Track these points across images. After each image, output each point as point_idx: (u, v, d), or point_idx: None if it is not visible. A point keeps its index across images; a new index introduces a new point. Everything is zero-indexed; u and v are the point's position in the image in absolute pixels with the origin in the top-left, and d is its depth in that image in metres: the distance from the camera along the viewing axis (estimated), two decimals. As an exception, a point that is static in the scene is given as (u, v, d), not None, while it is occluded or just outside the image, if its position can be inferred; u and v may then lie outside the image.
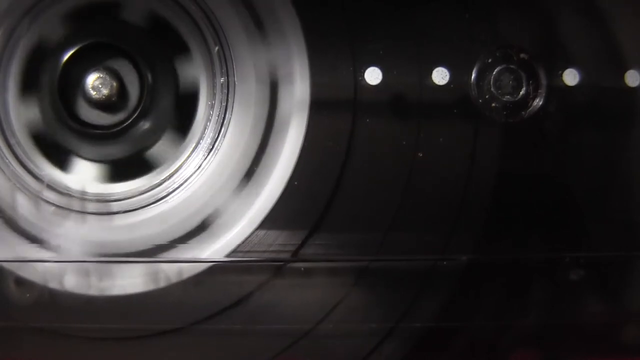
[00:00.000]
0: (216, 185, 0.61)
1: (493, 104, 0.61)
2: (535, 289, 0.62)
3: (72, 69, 0.62)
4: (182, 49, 0.63)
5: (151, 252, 0.61)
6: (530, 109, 0.61)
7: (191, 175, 0.62)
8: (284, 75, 0.61)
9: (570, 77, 0.61)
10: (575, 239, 0.62)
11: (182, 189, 0.62)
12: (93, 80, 0.62)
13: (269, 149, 0.61)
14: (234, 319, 0.60)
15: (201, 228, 0.61)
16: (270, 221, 0.61)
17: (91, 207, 0.62)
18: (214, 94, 0.62)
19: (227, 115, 0.62)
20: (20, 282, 0.60)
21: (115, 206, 0.62)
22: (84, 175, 0.63)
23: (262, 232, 0.61)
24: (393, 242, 0.61)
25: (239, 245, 0.61)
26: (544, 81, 0.61)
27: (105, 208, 0.62)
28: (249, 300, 0.60)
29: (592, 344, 0.63)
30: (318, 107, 0.61)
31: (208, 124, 0.62)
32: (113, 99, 0.62)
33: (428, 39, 0.61)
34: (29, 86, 0.63)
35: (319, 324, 0.61)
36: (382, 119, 0.61)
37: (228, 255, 0.61)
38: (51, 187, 0.62)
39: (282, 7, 0.60)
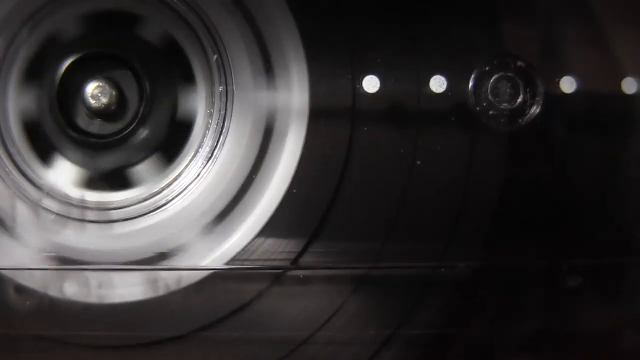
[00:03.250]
0: (215, 193, 0.61)
1: (490, 112, 0.61)
2: (534, 296, 0.62)
3: (72, 78, 0.63)
4: (181, 58, 0.63)
5: (150, 260, 0.61)
6: (527, 116, 0.61)
7: (190, 184, 0.62)
8: (283, 83, 0.61)
9: (568, 84, 0.61)
10: (573, 246, 0.62)
11: (181, 197, 0.62)
12: (92, 89, 0.62)
13: (267, 157, 0.61)
14: (233, 326, 0.60)
15: (200, 236, 0.61)
16: (270, 229, 0.61)
17: (91, 215, 0.62)
18: (213, 103, 0.62)
19: (225, 124, 0.62)
20: (20, 289, 0.60)
21: (114, 214, 0.62)
22: (81, 182, 0.63)
23: (261, 240, 0.61)
24: (392, 249, 0.61)
25: (238, 253, 0.61)
26: (541, 89, 0.61)
27: (104, 216, 0.62)
28: (248, 308, 0.60)
29: (592, 351, 0.63)
30: (317, 115, 0.61)
31: (207, 132, 0.62)
32: (112, 107, 0.62)
33: (425, 47, 0.61)
34: (28, 95, 0.63)
35: (317, 331, 0.61)
36: (380, 127, 0.61)
37: (227, 263, 0.61)
38: (51, 195, 0.62)
39: (280, 16, 0.61)
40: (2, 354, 0.60)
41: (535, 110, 0.61)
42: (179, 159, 0.63)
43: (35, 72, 0.63)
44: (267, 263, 0.61)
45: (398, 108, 0.61)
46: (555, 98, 0.61)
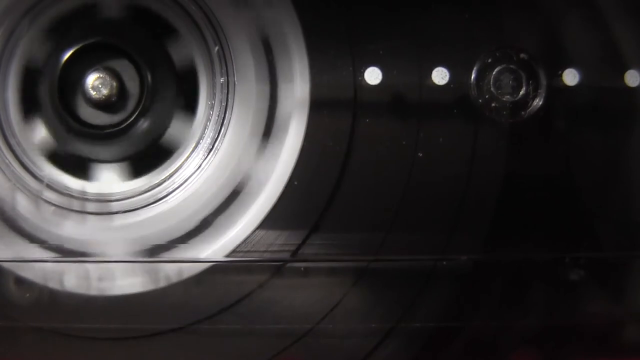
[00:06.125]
0: (216, 185, 0.61)
1: (493, 104, 0.61)
2: (536, 289, 0.62)
3: (73, 69, 0.62)
4: (182, 49, 0.63)
5: (151, 252, 0.61)
6: (530, 108, 0.61)
7: (191, 175, 0.62)
8: (284, 75, 0.61)
9: (570, 77, 0.61)
10: (576, 239, 0.62)
11: (182, 189, 0.62)
12: (93, 81, 0.62)
13: (268, 149, 0.61)
14: (234, 318, 0.60)
15: (201, 228, 0.61)
16: (270, 221, 0.61)
17: (91, 206, 0.62)
18: (214, 94, 0.62)
19: (227, 115, 0.62)
20: (20, 282, 0.60)
21: (115, 206, 0.62)
22: (84, 175, 0.63)
23: (262, 232, 0.61)
24: (393, 242, 0.61)
25: (238, 245, 0.61)
26: (543, 81, 0.61)
27: (105, 208, 0.62)
28: (249, 300, 0.60)
29: (593, 345, 0.63)
30: (318, 107, 0.61)
31: (208, 123, 0.62)
32: (113, 98, 0.62)
33: (428, 39, 0.61)
34: (28, 86, 0.63)
35: (318, 323, 0.61)
36: (382, 119, 0.61)
37: (228, 255, 0.61)
38: (51, 187, 0.62)
39: (282, 7, 0.61)
40: (2, 346, 0.60)
41: (537, 102, 0.61)
42: (179, 151, 0.63)
43: (35, 64, 0.63)
44: (268, 255, 0.61)
45: (400, 100, 0.61)
46: (558, 90, 0.61)
